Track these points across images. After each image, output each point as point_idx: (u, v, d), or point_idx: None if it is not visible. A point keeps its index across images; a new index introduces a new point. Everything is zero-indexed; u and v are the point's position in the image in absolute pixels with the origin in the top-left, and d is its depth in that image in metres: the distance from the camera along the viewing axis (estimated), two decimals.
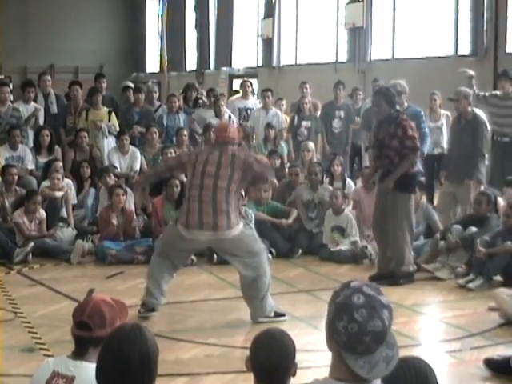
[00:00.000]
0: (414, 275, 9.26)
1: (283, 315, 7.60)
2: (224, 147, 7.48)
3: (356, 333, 2.59)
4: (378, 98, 9.24)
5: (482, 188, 10.45)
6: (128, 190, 11.03)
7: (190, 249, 7.81)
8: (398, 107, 9.22)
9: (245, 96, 14.91)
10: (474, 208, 9.77)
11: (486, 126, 10.64)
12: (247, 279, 7.48)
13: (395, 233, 9.07)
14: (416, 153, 8.99)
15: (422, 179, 10.72)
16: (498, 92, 11.75)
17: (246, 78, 16.98)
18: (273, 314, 7.54)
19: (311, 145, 12.50)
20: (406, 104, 10.84)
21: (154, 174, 8.87)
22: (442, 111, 12.65)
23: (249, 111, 14.46)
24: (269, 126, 13.39)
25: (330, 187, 11.21)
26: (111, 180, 11.22)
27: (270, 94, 14.22)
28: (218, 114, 13.43)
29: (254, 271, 7.42)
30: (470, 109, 10.53)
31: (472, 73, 11.17)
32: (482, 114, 10.90)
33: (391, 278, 9.02)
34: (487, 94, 11.56)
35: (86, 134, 12.41)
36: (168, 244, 7.63)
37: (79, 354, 3.66)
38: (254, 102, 15.09)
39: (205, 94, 15.24)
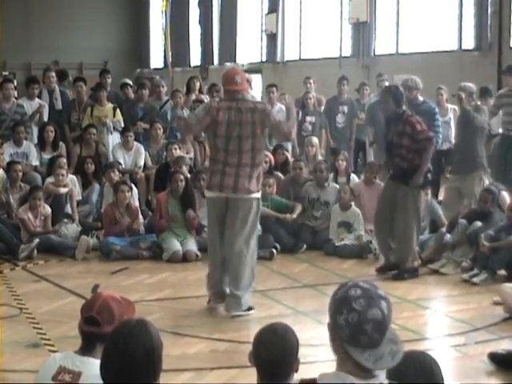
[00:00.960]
0: (419, 270, 9.27)
1: (252, 308, 7.65)
2: (238, 101, 7.52)
3: (357, 322, 2.63)
4: (385, 95, 9.29)
5: (487, 182, 10.47)
6: (133, 186, 11.05)
7: (218, 213, 7.69)
8: (404, 108, 9.21)
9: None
10: (478, 205, 9.75)
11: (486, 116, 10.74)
12: (228, 255, 7.59)
13: (404, 228, 9.07)
14: (433, 142, 9.06)
15: (429, 175, 10.73)
16: (501, 91, 11.84)
17: (247, 74, 16.96)
18: (246, 308, 7.60)
19: (315, 140, 12.49)
20: (420, 98, 10.80)
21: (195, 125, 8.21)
22: (449, 106, 12.59)
23: None
24: None
25: (338, 186, 11.17)
26: (116, 176, 11.22)
27: (274, 89, 14.21)
28: None
29: (237, 249, 7.52)
30: (473, 103, 10.57)
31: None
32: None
33: (396, 272, 9.05)
34: (494, 101, 11.68)
35: (94, 131, 12.41)
36: (210, 222, 7.85)
37: (87, 349, 3.67)
38: (252, 96, 15.04)
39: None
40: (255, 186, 7.63)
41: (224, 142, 7.51)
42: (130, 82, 15.59)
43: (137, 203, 11.09)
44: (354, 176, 11.94)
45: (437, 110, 11.23)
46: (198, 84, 14.60)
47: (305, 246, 10.64)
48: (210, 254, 7.92)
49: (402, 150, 8.98)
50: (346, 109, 13.91)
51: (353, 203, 10.84)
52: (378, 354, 2.65)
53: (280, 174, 11.76)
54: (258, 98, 15.15)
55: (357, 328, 2.63)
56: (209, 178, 7.74)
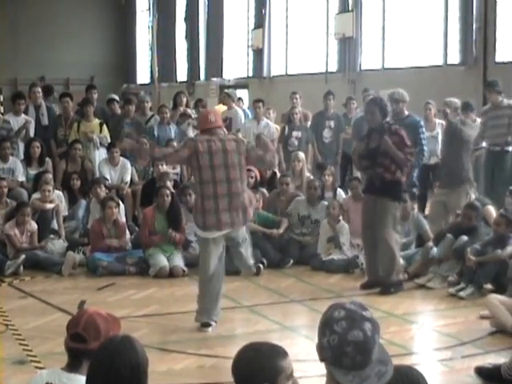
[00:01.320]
0: (403, 283, 9.27)
1: None
2: (217, 135, 7.52)
3: (337, 344, 2.64)
4: (372, 106, 9.23)
5: (473, 196, 10.51)
6: (119, 201, 11.03)
7: (217, 251, 7.62)
8: (388, 119, 9.24)
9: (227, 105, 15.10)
10: (463, 221, 9.75)
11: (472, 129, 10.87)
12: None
13: (385, 240, 9.07)
14: (414, 157, 9.40)
15: (414, 190, 10.77)
16: (486, 107, 11.94)
17: (225, 90, 17.10)
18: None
19: (301, 155, 12.48)
20: (406, 112, 10.82)
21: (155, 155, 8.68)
22: (437, 120, 12.61)
23: (228, 121, 14.44)
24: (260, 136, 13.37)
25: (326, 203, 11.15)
26: (102, 192, 11.21)
27: (261, 104, 14.24)
28: None
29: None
30: (458, 118, 10.65)
31: None
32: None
33: (381, 287, 9.04)
34: (480, 120, 11.77)
35: (80, 146, 12.39)
36: (206, 259, 7.62)
37: (73, 366, 3.65)
38: (235, 111, 15.12)
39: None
40: (251, 211, 7.67)
41: (210, 173, 7.37)
42: (117, 98, 15.59)
43: (124, 219, 11.07)
44: (340, 191, 11.95)
45: (422, 123, 11.24)
46: (184, 99, 14.64)
47: (292, 261, 10.63)
48: (208, 287, 7.62)
49: (386, 160, 8.97)
50: (332, 123, 13.95)
51: (341, 218, 10.85)
52: (363, 375, 2.65)
53: (264, 191, 11.75)
54: (236, 111, 15.21)
55: (337, 350, 2.64)
56: (201, 218, 7.45)
